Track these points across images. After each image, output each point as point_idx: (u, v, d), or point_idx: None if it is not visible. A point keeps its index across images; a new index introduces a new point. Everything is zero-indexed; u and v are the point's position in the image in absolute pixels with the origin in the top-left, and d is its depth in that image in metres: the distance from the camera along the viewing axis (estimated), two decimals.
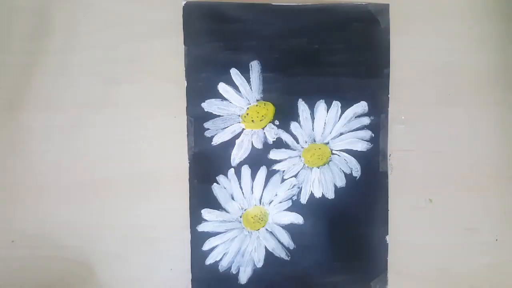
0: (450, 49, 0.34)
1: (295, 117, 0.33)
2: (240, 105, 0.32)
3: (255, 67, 0.32)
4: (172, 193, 0.32)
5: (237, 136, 0.32)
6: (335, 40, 0.33)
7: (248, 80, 0.32)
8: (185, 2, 0.32)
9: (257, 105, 0.32)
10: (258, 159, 0.33)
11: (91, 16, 0.32)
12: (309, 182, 0.33)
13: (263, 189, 0.33)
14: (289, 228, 0.33)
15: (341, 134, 0.33)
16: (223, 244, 0.32)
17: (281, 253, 0.33)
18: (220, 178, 0.32)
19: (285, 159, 0.33)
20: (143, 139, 0.32)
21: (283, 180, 0.33)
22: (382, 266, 0.33)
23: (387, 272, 0.33)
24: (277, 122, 0.33)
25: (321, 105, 0.32)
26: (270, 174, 0.33)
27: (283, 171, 0.33)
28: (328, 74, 0.33)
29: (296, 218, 0.33)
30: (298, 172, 0.33)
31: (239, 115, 0.32)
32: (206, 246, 0.32)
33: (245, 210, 0.33)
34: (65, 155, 0.32)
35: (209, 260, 0.32)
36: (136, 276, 0.33)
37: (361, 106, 0.33)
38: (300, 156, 0.33)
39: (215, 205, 0.32)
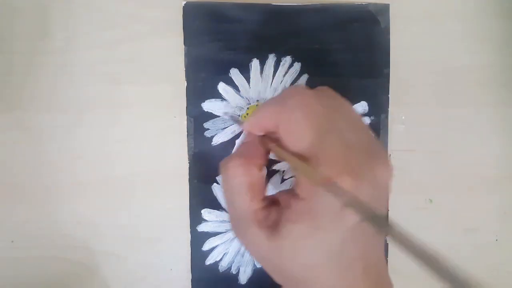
0: (450, 49, 0.34)
1: None
2: (240, 105, 0.32)
3: (255, 66, 0.32)
4: (172, 193, 0.32)
5: (237, 136, 0.32)
6: (335, 40, 0.33)
7: (248, 80, 0.32)
8: (185, 2, 0.32)
9: (257, 105, 0.32)
10: None
11: (91, 16, 0.32)
12: None
13: None
14: None
15: None
16: (223, 244, 0.32)
17: None
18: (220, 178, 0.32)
19: None
20: (143, 139, 0.32)
21: (283, 180, 0.33)
22: None
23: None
24: None
25: None
26: (270, 174, 0.33)
27: (283, 171, 0.33)
28: (328, 74, 0.33)
29: None
30: None
31: (239, 115, 0.32)
32: (206, 246, 0.32)
33: None
34: (65, 155, 0.32)
35: (209, 260, 0.32)
36: (136, 276, 0.33)
37: (361, 106, 0.33)
38: None
39: (215, 205, 0.32)
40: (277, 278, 0.25)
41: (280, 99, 0.24)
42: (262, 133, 0.25)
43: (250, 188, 0.24)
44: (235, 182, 0.24)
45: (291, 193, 0.24)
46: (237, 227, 0.25)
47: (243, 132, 0.26)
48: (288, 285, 0.25)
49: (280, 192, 0.26)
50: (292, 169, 0.24)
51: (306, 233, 0.22)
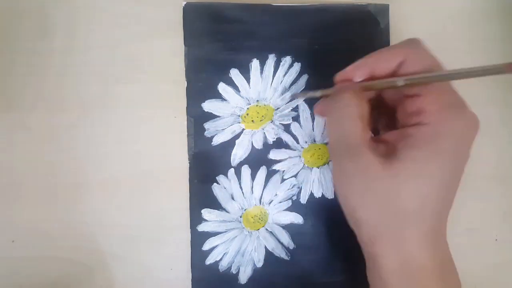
0: (450, 49, 0.34)
1: (295, 117, 0.33)
2: (240, 105, 0.32)
3: (255, 67, 0.32)
4: (172, 193, 0.32)
5: (237, 136, 0.32)
6: (335, 41, 0.33)
7: (248, 80, 0.32)
8: (185, 2, 0.32)
9: (257, 105, 0.32)
10: (258, 159, 0.33)
11: (91, 16, 0.32)
12: (309, 182, 0.33)
13: (263, 189, 0.33)
14: (289, 228, 0.33)
15: None
16: (223, 244, 0.32)
17: (281, 253, 0.33)
18: (220, 178, 0.32)
19: (285, 159, 0.33)
20: (143, 139, 0.32)
21: (283, 180, 0.33)
22: None
23: None
24: (277, 122, 0.33)
25: None
26: (270, 174, 0.33)
27: (283, 171, 0.33)
28: (328, 75, 0.32)
29: (296, 218, 0.33)
30: (298, 172, 0.33)
31: (239, 115, 0.32)
32: (206, 246, 0.32)
33: (245, 210, 0.33)
34: (65, 155, 0.32)
35: (209, 260, 0.32)
36: (136, 276, 0.33)
37: None
38: (300, 156, 0.33)
39: (215, 205, 0.32)
40: (374, 217, 0.25)
41: (402, 43, 0.26)
42: (363, 78, 0.26)
43: (362, 119, 0.25)
44: (348, 110, 0.25)
45: (404, 129, 0.25)
46: (342, 155, 0.25)
47: (335, 87, 0.28)
48: (385, 225, 0.24)
49: (383, 134, 0.27)
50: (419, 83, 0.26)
51: (426, 157, 0.23)
